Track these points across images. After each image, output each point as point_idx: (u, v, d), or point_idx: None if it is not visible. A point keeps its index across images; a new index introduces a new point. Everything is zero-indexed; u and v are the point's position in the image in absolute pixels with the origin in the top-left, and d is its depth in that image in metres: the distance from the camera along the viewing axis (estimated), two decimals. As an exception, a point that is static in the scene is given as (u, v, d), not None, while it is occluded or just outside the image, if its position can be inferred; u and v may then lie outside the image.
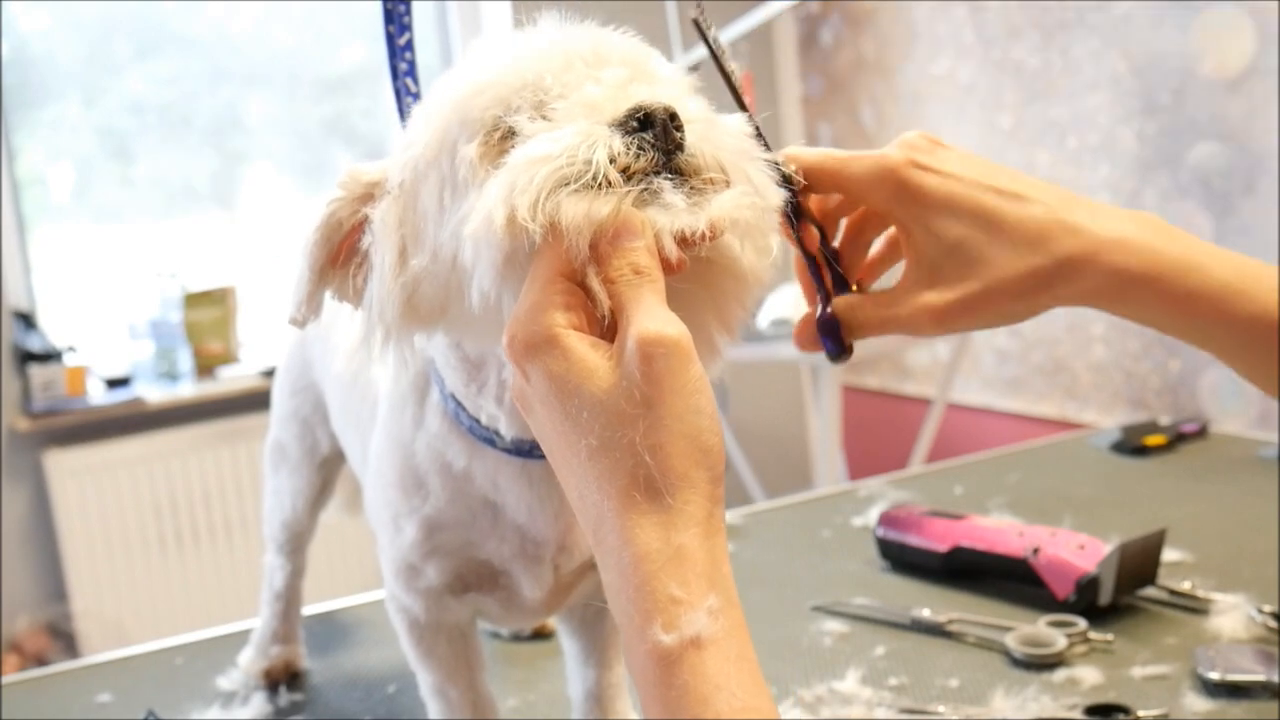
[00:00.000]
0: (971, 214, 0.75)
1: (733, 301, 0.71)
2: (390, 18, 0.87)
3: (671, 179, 0.65)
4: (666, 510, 0.59)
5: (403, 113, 0.86)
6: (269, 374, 3.49)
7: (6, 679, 1.35)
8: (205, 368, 3.56)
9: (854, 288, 0.82)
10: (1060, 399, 3.45)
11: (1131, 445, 1.77)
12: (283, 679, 1.28)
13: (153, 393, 3.45)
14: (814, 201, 0.82)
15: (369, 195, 0.76)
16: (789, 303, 3.03)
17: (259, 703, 1.22)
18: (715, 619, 0.57)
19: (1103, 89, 3.14)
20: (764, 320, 3.04)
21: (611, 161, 0.64)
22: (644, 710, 0.58)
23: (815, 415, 3.88)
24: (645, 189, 0.65)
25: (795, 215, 0.79)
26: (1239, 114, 2.81)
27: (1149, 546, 1.23)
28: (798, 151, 0.80)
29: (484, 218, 0.65)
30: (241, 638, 1.34)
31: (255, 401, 3.47)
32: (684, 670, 0.56)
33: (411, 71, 0.87)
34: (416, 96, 0.87)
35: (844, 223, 0.84)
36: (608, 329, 0.63)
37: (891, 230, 0.83)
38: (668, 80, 0.73)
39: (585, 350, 0.61)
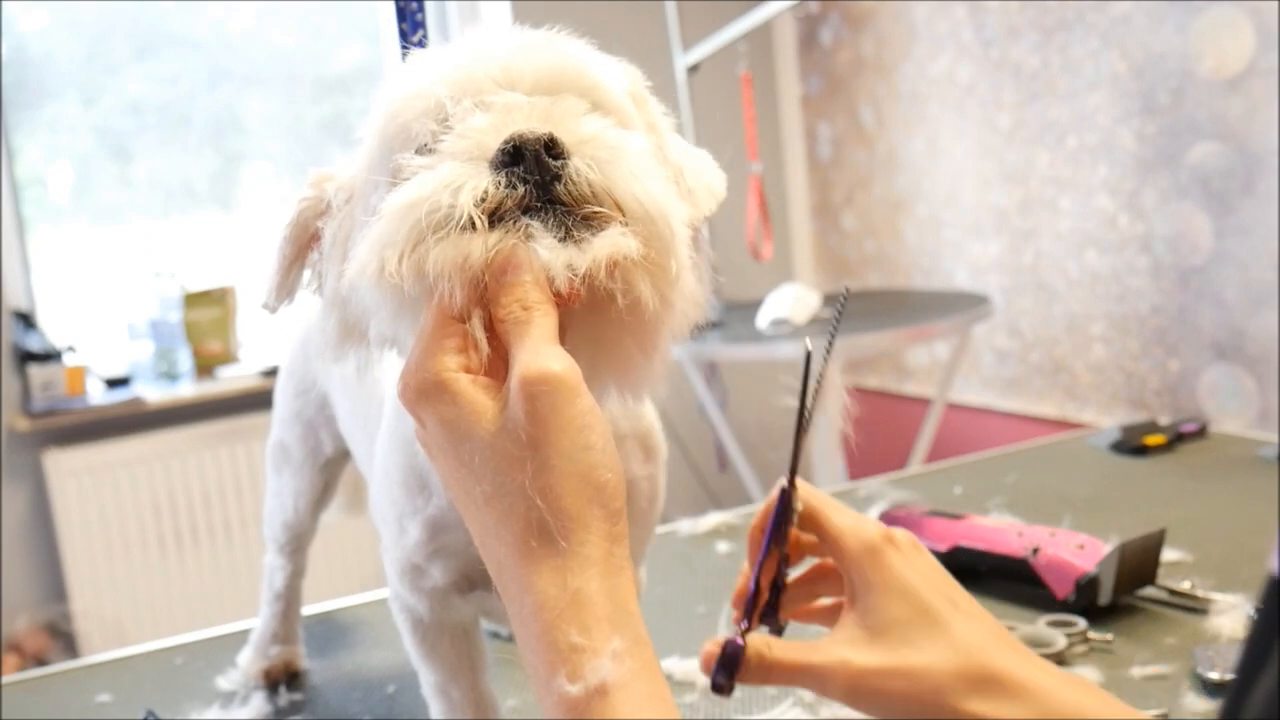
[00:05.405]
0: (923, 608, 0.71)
1: (644, 329, 0.67)
2: (403, 15, 0.87)
3: (552, 210, 0.63)
4: (561, 554, 0.57)
5: None
6: (269, 374, 3.49)
7: (6, 679, 1.35)
8: (205, 368, 3.56)
9: (778, 626, 0.78)
10: (1060, 399, 3.45)
11: (1131, 445, 1.77)
12: (282, 679, 1.28)
13: (152, 393, 3.45)
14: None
15: (328, 203, 0.75)
16: (788, 302, 3.03)
17: (258, 703, 1.22)
18: (620, 662, 0.55)
19: (1102, 89, 3.14)
20: (763, 320, 3.04)
21: (484, 199, 0.62)
22: None
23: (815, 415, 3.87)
24: (514, 227, 0.62)
25: (776, 538, 0.77)
26: (1238, 114, 2.81)
27: (1148, 546, 1.23)
28: (801, 485, 0.78)
29: (359, 269, 0.64)
30: (241, 638, 1.34)
31: (255, 401, 3.47)
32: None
33: None
34: None
35: (810, 562, 0.81)
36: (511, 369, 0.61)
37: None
38: (586, 94, 0.69)
39: (475, 393, 0.60)
